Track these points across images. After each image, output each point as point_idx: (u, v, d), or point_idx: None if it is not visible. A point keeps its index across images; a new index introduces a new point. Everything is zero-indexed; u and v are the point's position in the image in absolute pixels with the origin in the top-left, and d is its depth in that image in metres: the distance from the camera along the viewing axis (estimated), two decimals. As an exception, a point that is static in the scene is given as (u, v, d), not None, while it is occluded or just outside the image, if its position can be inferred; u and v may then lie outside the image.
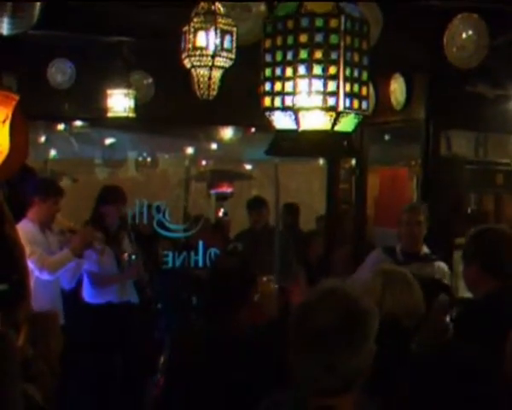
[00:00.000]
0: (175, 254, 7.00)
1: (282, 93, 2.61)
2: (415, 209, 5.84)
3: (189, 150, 10.87)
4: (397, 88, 7.08)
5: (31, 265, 5.83)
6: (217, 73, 4.45)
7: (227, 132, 9.62)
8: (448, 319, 4.36)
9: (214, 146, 10.51)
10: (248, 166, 12.17)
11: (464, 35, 5.53)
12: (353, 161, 8.06)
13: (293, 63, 2.57)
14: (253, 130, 9.42)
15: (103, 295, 6.50)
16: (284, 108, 2.61)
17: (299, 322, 2.40)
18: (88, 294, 6.55)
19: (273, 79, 2.64)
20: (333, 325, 2.32)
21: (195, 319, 6.81)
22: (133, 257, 6.49)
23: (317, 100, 2.56)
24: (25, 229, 5.98)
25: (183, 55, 4.41)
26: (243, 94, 6.26)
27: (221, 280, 3.78)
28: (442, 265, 5.71)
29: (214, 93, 4.50)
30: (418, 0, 5.44)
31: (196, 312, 7.00)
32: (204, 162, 11.89)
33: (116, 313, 6.45)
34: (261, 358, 3.61)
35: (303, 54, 2.55)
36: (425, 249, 5.77)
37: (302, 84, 2.57)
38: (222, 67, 4.44)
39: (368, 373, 2.39)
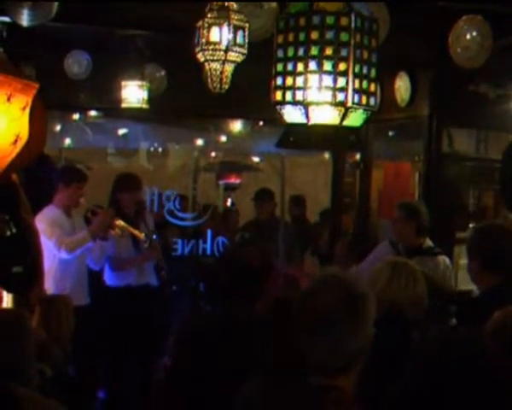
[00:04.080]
0: (184, 241, 7.16)
1: (293, 88, 2.70)
2: (399, 207, 5.96)
3: (199, 142, 10.90)
4: (401, 85, 7.16)
5: (51, 246, 6.04)
6: (229, 68, 4.49)
7: (236, 125, 9.67)
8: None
9: (223, 138, 10.54)
10: (256, 159, 12.20)
11: (468, 36, 5.54)
12: (358, 156, 8.19)
13: (305, 59, 2.67)
14: (261, 123, 9.47)
15: (122, 278, 6.61)
16: (295, 103, 2.70)
17: (301, 306, 2.49)
18: (108, 277, 6.68)
19: (284, 74, 2.73)
20: (334, 308, 2.41)
21: (204, 306, 6.93)
22: (154, 237, 6.57)
23: (327, 95, 2.66)
24: (48, 213, 6.21)
25: (197, 50, 4.46)
26: (253, 88, 6.37)
27: (242, 270, 3.72)
28: (443, 259, 5.80)
29: (226, 87, 4.54)
30: (424, 1, 5.53)
31: (204, 298, 7.08)
32: (213, 154, 11.90)
33: (134, 295, 6.54)
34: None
35: (314, 50, 2.65)
36: (428, 243, 5.87)
37: (313, 79, 2.67)
38: (234, 62, 4.48)
39: (366, 355, 2.46)
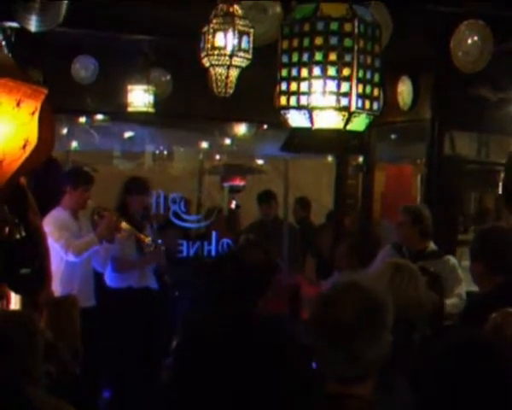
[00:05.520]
0: (189, 243, 7.23)
1: (298, 93, 2.70)
2: (404, 211, 6.01)
3: (204, 145, 10.96)
4: (404, 89, 7.20)
5: (58, 248, 6.11)
6: (234, 72, 4.52)
7: (240, 129, 9.70)
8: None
9: (228, 141, 10.59)
10: (260, 161, 12.26)
11: (470, 41, 5.57)
12: (361, 159, 8.24)
13: (309, 64, 2.67)
14: (265, 127, 9.50)
15: (124, 279, 6.68)
16: (299, 107, 2.71)
17: (321, 314, 2.46)
18: (110, 278, 6.75)
19: (289, 79, 2.73)
20: (354, 317, 2.38)
21: (206, 306, 6.96)
22: (158, 241, 6.64)
23: (331, 100, 2.66)
24: (56, 215, 6.28)
25: (202, 55, 4.49)
26: (257, 92, 6.44)
27: (247, 272, 3.72)
28: (448, 258, 5.83)
29: (231, 91, 4.57)
30: (426, 5, 5.56)
31: (207, 299, 7.11)
32: (218, 157, 11.98)
33: (135, 297, 6.61)
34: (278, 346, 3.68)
35: (318, 56, 2.65)
36: (432, 247, 5.91)
37: (317, 84, 2.67)
38: (239, 67, 4.51)
39: (384, 362, 2.44)
